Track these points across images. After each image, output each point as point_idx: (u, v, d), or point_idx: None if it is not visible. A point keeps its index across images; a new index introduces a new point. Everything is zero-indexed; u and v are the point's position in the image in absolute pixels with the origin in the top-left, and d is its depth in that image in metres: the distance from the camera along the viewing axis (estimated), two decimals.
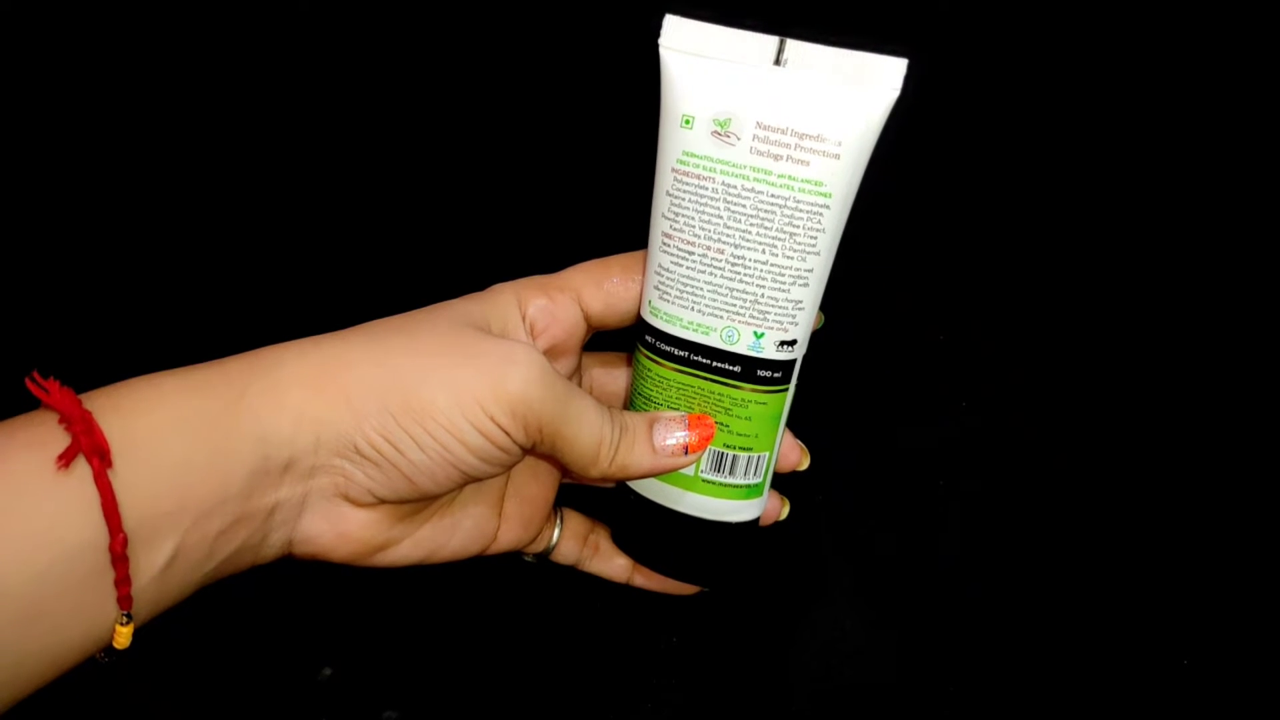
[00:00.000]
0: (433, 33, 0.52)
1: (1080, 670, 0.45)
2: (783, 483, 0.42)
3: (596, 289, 0.39)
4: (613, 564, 0.43)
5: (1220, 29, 0.52)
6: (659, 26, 0.36)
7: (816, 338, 0.39)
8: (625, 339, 0.43)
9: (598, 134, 0.52)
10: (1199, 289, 0.50)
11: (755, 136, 0.35)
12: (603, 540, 0.43)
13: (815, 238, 0.36)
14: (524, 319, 0.39)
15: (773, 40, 0.35)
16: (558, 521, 0.43)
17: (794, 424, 0.41)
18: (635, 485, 0.40)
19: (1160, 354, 0.49)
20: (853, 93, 0.34)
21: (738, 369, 0.37)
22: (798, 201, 0.35)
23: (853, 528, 0.47)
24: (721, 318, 0.37)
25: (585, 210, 0.51)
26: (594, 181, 0.52)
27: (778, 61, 0.35)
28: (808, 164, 0.35)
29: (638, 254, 0.40)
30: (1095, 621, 0.46)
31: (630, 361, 0.43)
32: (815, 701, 0.44)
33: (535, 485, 0.42)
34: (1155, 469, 0.48)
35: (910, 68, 0.34)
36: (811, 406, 0.41)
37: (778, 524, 0.43)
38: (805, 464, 0.43)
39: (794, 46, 0.34)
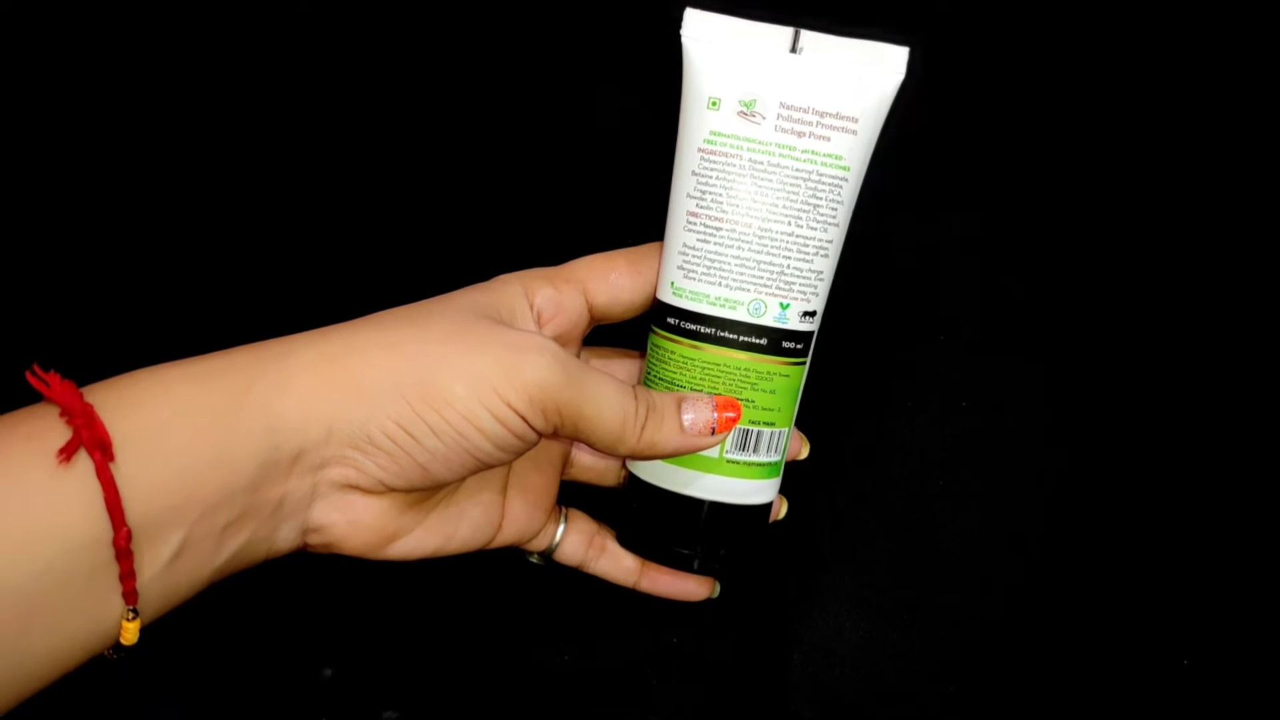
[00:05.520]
0: (437, 26, 0.52)
1: (1080, 670, 0.45)
2: (783, 482, 0.42)
3: (602, 281, 0.40)
4: (619, 565, 0.43)
5: (1215, 19, 0.52)
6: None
7: (817, 338, 0.41)
8: (618, 337, 0.43)
9: (596, 130, 0.52)
10: (1203, 286, 0.51)
11: (779, 115, 0.38)
12: (609, 541, 0.43)
13: (835, 209, 0.39)
14: (532, 308, 0.39)
15: (788, 30, 0.38)
16: (561, 518, 0.43)
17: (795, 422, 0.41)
18: (646, 475, 0.40)
19: (1161, 353, 0.50)
20: (866, 73, 0.38)
21: (764, 341, 0.39)
22: (820, 175, 0.38)
23: (853, 528, 0.47)
24: (749, 290, 0.39)
25: (582, 208, 0.51)
26: (590, 179, 0.52)
27: (793, 49, 0.38)
28: (829, 139, 0.38)
29: (642, 247, 0.41)
30: (1095, 621, 0.46)
31: (624, 354, 0.44)
32: (814, 702, 0.44)
33: (537, 475, 0.42)
34: (1155, 468, 0.48)
35: (911, 55, 0.38)
36: (811, 406, 0.42)
37: (777, 524, 0.43)
38: (805, 452, 0.44)
39: (808, 36, 0.38)
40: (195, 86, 0.51)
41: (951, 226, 0.52)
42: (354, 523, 0.35)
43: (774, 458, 0.40)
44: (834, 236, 0.39)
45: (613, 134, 0.52)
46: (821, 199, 0.38)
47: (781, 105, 0.38)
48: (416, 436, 0.34)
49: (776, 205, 0.38)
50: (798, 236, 0.38)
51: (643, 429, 0.37)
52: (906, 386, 0.49)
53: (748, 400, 0.39)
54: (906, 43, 0.38)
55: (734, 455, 0.39)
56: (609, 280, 0.40)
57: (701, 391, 0.39)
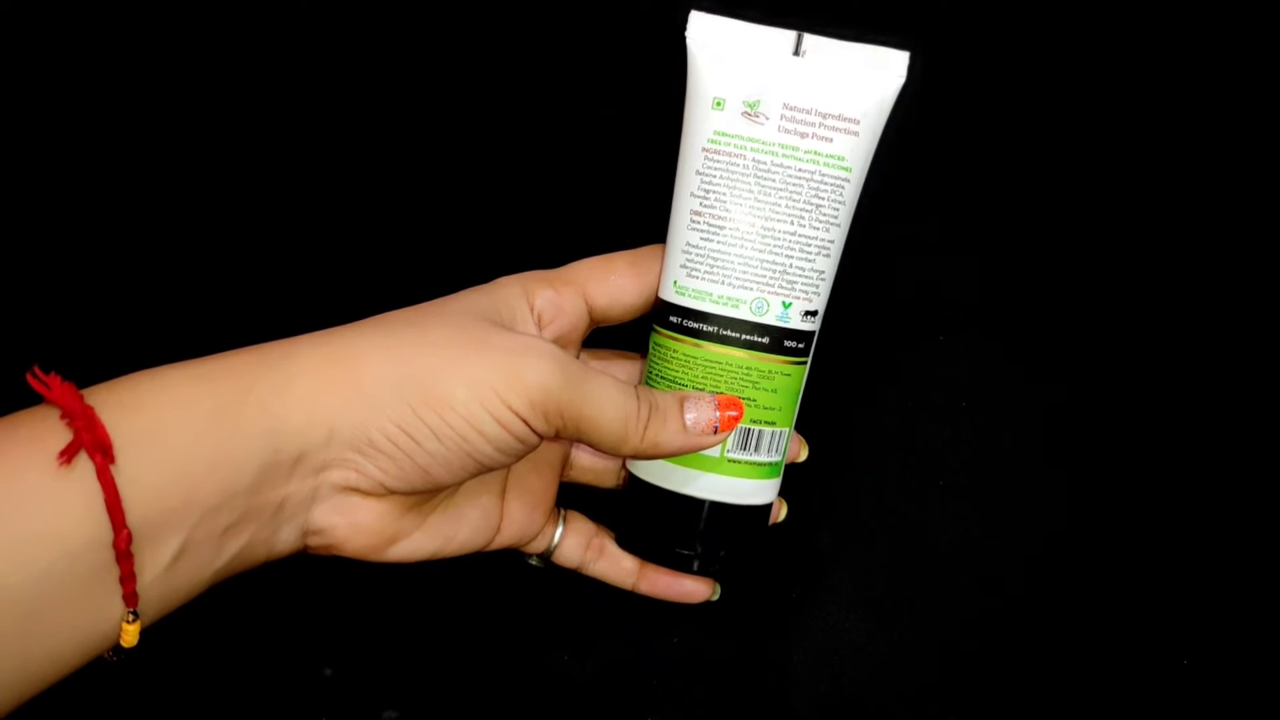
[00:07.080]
0: (438, 27, 0.52)
1: (1080, 670, 0.45)
2: (783, 481, 0.42)
3: (602, 283, 0.40)
4: (619, 567, 0.43)
5: (1215, 19, 0.52)
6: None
7: (818, 338, 0.41)
8: (618, 339, 0.43)
9: (598, 131, 0.52)
10: (1204, 286, 0.51)
11: (783, 116, 0.38)
12: (607, 543, 0.43)
13: (837, 209, 0.39)
14: (532, 310, 0.39)
15: (790, 34, 0.39)
16: (560, 520, 0.43)
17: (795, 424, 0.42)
18: (647, 475, 0.40)
19: (1161, 353, 0.50)
20: (868, 76, 0.39)
21: (766, 340, 0.39)
22: (823, 175, 0.39)
23: (853, 528, 0.47)
24: (751, 289, 0.39)
25: (584, 208, 0.51)
26: (592, 180, 0.52)
27: (796, 52, 0.39)
28: (831, 140, 0.39)
29: (642, 249, 0.41)
30: (1095, 621, 0.46)
31: (623, 356, 0.44)
32: (814, 702, 0.44)
33: (535, 477, 0.42)
34: (1156, 468, 0.48)
35: (912, 59, 0.39)
36: (811, 406, 0.42)
37: (776, 524, 0.43)
38: (804, 455, 0.44)
39: (810, 39, 0.39)
40: (196, 87, 0.51)
41: (951, 227, 0.52)
42: (354, 525, 0.35)
43: (775, 458, 0.40)
44: (836, 236, 0.39)
45: (614, 135, 0.52)
46: (824, 199, 0.39)
47: (785, 106, 0.38)
48: (418, 439, 0.34)
49: (779, 205, 0.38)
50: (800, 236, 0.39)
51: (645, 429, 0.37)
52: (907, 386, 0.49)
53: (749, 399, 0.39)
54: (907, 46, 0.39)
55: (735, 455, 0.39)
56: (609, 282, 0.40)
57: (704, 390, 0.39)
